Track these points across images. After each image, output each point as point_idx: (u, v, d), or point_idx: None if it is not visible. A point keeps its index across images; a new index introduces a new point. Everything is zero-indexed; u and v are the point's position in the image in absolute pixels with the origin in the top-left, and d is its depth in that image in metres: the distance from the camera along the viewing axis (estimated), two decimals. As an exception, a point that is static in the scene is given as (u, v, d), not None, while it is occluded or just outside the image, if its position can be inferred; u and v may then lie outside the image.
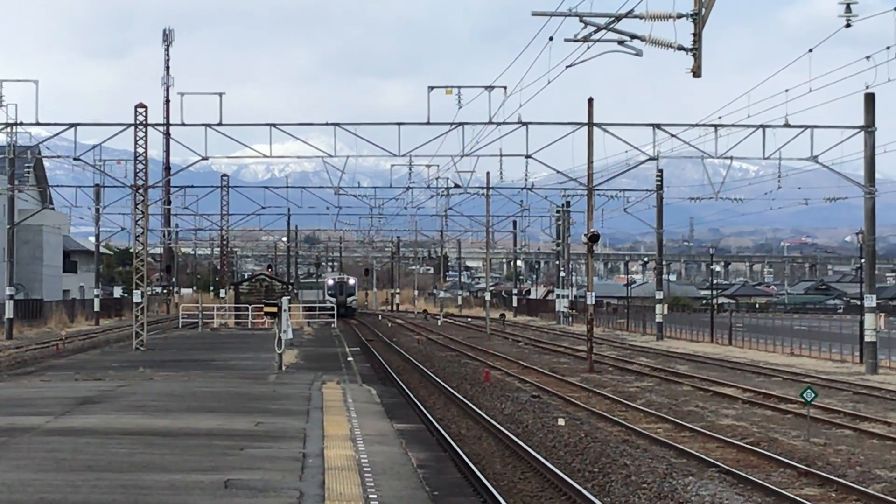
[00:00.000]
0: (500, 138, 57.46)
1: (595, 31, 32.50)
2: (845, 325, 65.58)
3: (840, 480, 23.51)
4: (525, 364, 56.31)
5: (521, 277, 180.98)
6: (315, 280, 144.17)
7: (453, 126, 55.24)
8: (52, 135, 60.60)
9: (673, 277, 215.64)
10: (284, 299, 45.25)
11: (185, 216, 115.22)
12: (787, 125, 52.83)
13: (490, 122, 54.42)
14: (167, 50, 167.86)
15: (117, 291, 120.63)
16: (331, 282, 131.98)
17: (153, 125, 57.95)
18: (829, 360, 60.39)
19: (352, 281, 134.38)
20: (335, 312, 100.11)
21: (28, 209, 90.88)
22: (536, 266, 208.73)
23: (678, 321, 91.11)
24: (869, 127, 52.52)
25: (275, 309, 44.44)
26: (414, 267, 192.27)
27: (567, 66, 38.49)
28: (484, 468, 25.19)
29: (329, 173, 66.54)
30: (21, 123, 59.59)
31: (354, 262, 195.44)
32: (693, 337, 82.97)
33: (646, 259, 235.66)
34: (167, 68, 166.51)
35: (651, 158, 58.63)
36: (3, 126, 59.48)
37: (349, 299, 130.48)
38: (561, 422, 32.44)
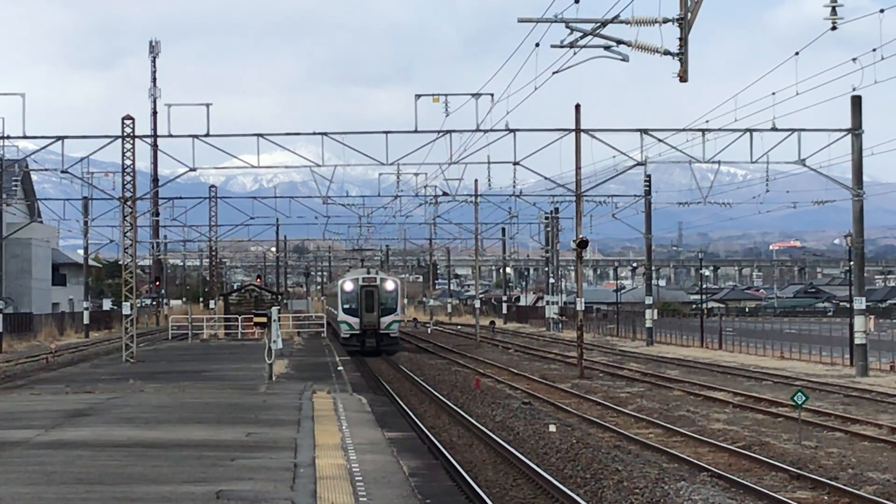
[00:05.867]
0: (488, 145, 57.49)
1: (581, 37, 32.48)
2: (835, 327, 65.57)
3: (832, 483, 23.52)
4: (515, 371, 56.27)
5: (510, 284, 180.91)
6: (305, 288, 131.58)
7: (441, 134, 55.18)
8: (39, 148, 60.43)
9: (662, 282, 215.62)
10: (274, 309, 45.15)
11: (174, 227, 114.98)
12: (774, 129, 52.81)
13: (477, 130, 54.31)
14: (154, 61, 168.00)
15: (106, 304, 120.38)
16: (349, 286, 72.67)
17: (140, 137, 57.74)
18: (819, 363, 60.41)
19: (390, 285, 73.41)
20: (361, 345, 70.94)
21: (16, 223, 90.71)
22: (526, 273, 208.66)
23: (668, 326, 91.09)
24: (856, 130, 52.55)
25: (264, 319, 44.36)
26: (403, 275, 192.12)
27: (554, 73, 38.56)
28: (476, 475, 25.16)
29: (317, 183, 66.46)
30: (8, 137, 59.32)
31: (344, 271, 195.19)
32: (683, 342, 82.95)
33: (635, 264, 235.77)
34: (154, 80, 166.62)
35: (639, 164, 58.70)
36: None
37: (386, 320, 71.84)
38: (552, 428, 32.41)
